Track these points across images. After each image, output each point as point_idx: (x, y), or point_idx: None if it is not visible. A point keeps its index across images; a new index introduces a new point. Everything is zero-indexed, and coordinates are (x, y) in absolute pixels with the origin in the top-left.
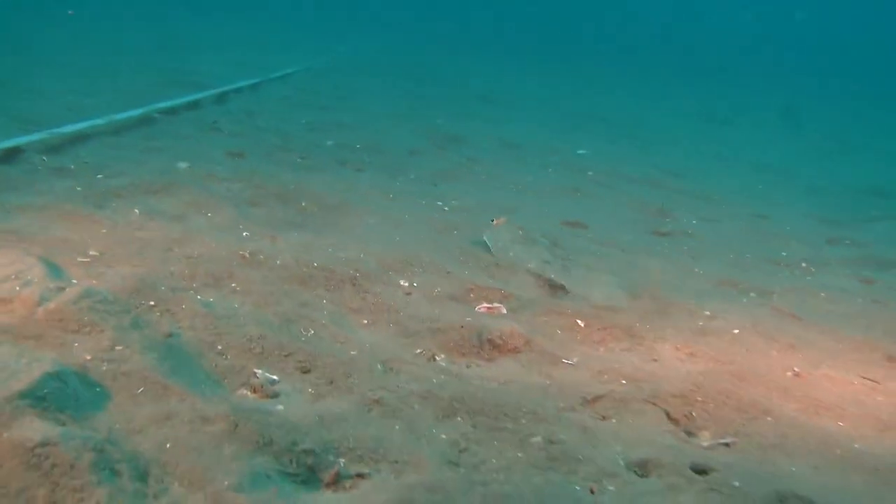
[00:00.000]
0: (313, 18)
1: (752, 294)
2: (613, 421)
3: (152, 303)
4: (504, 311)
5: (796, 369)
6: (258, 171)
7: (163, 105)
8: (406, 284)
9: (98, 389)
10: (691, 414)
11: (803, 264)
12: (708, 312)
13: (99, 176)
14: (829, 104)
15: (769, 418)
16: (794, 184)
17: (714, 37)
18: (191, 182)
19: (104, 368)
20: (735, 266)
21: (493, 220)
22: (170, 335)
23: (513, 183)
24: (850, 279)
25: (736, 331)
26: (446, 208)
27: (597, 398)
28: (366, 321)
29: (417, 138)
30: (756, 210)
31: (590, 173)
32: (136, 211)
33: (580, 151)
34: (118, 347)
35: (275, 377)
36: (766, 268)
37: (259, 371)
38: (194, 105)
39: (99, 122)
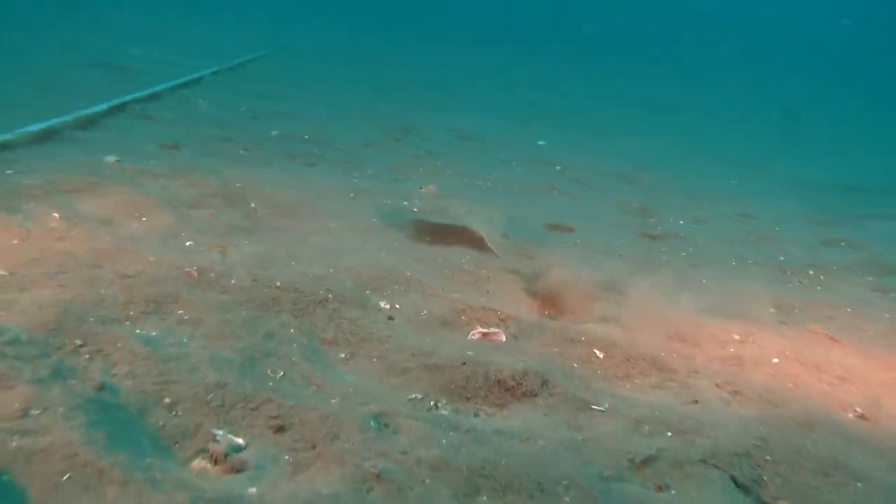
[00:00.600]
0: (256, 11)
1: (771, 310)
2: (673, 492)
3: (79, 342)
4: (503, 337)
5: (858, 410)
6: (197, 166)
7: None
8: (387, 306)
9: (4, 480)
10: (762, 479)
11: (810, 272)
12: (737, 336)
13: (8, 172)
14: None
15: (859, 484)
16: (769, 179)
17: (678, 29)
18: (120, 179)
19: (13, 445)
20: (741, 275)
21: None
22: (102, 387)
23: (480, 179)
24: (863, 288)
25: (775, 360)
26: (415, 209)
27: (645, 461)
28: (344, 355)
29: (369, 128)
30: (740, 209)
31: (558, 168)
32: (56, 215)
33: (540, 143)
34: (33, 412)
35: (240, 441)
36: (772, 276)
37: (220, 433)
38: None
39: None
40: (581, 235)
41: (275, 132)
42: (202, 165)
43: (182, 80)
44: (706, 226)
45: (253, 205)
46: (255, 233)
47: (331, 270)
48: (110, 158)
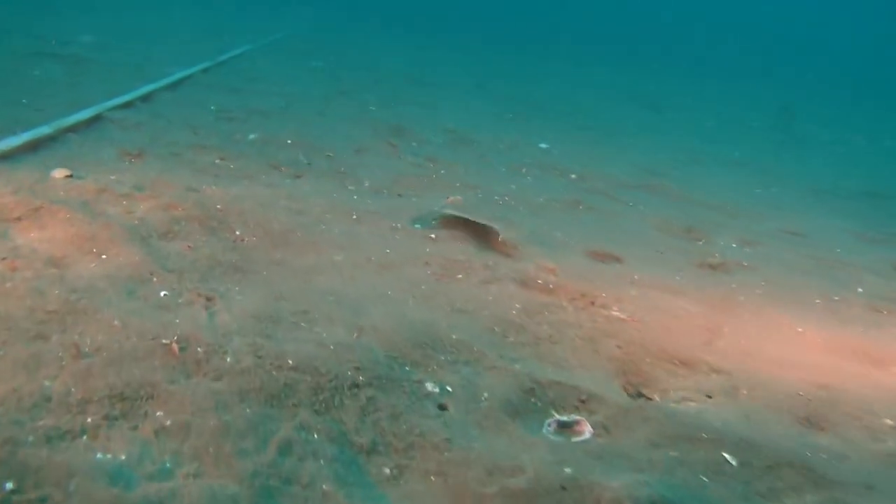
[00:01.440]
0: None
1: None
2: None
3: (11, 486)
4: (588, 431)
5: None
6: (167, 180)
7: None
8: (435, 389)
9: None
10: None
11: None
12: (890, 421)
13: None
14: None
15: None
16: (786, 185)
17: (671, 26)
18: (72, 201)
19: None
20: (839, 319)
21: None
22: None
23: (495, 193)
24: None
25: None
26: (432, 235)
27: None
28: (389, 470)
29: (357, 130)
30: (783, 224)
31: (573, 176)
32: None
33: (542, 146)
34: None
35: None
36: (869, 318)
37: None
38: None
39: None
40: (633, 266)
41: (253, 136)
42: (173, 179)
43: (172, 78)
44: (763, 249)
45: (238, 232)
46: (247, 272)
47: (354, 335)
48: (59, 173)
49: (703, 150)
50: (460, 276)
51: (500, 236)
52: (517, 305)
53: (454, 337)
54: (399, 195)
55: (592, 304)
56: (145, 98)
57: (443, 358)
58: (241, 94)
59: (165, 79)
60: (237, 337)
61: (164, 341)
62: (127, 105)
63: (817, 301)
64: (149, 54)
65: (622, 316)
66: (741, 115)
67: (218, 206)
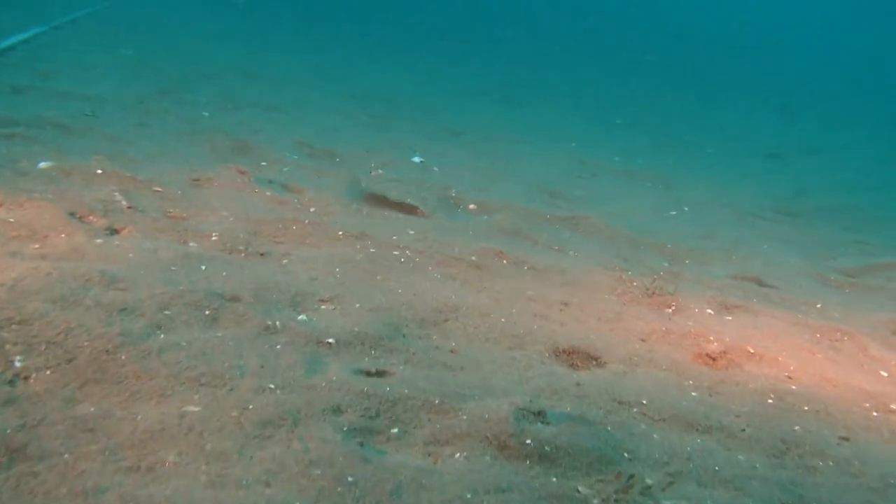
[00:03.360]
0: None
1: None
2: None
3: None
4: None
5: None
6: None
7: None
8: None
9: None
10: None
11: None
12: None
13: None
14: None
15: None
16: (700, 203)
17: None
18: None
19: None
20: None
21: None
22: None
23: (391, 245)
24: None
25: None
26: (331, 341)
27: None
28: None
29: (191, 148)
30: (739, 267)
31: (472, 207)
32: None
33: (416, 159)
34: None
35: None
36: None
37: None
38: None
39: None
40: (621, 377)
41: (45, 163)
42: None
43: None
44: (747, 318)
45: (19, 362)
46: (33, 460)
47: None
48: None
49: (588, 158)
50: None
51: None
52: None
53: None
54: (262, 254)
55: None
56: None
57: None
58: (29, 96)
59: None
60: None
61: None
62: None
63: (875, 415)
64: None
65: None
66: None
67: None
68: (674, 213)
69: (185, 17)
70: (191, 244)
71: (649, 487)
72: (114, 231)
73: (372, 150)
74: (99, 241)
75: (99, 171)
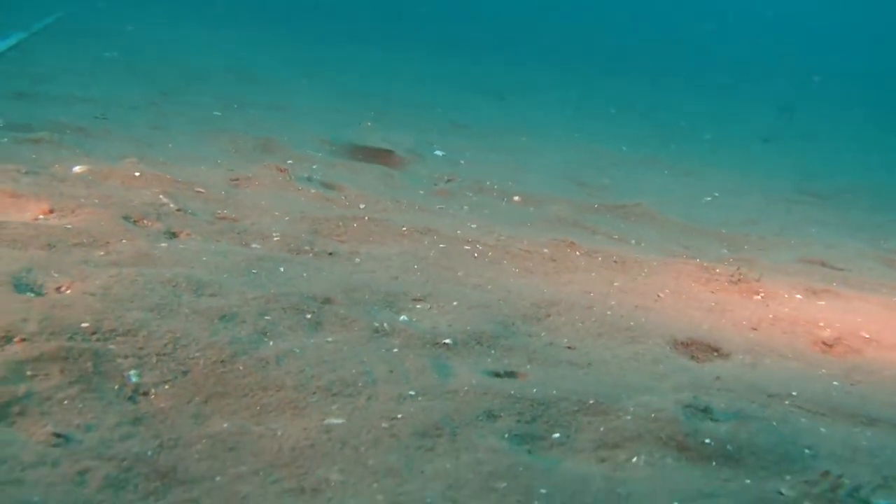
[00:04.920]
0: None
1: None
2: None
3: None
4: None
5: None
6: None
7: None
8: None
9: None
10: None
11: None
12: None
13: None
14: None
15: None
16: (727, 189)
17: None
18: None
19: None
20: None
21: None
22: None
23: (459, 240)
24: None
25: None
26: (447, 341)
27: None
28: None
29: (216, 148)
30: (802, 252)
31: (516, 199)
32: None
33: (438, 153)
34: None
35: None
36: None
37: None
38: None
39: None
40: (748, 365)
41: (78, 167)
42: None
43: None
44: (839, 302)
45: (134, 377)
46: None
47: None
48: None
49: (598, 147)
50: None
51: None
52: None
53: None
54: (330, 253)
55: None
56: None
57: None
58: (34, 102)
59: None
60: None
61: None
62: None
63: None
64: None
65: None
66: (591, 103)
67: (84, 324)
68: (708, 199)
69: (155, 20)
70: (254, 245)
71: (858, 488)
72: (173, 234)
73: (395, 146)
74: (163, 244)
75: (136, 174)
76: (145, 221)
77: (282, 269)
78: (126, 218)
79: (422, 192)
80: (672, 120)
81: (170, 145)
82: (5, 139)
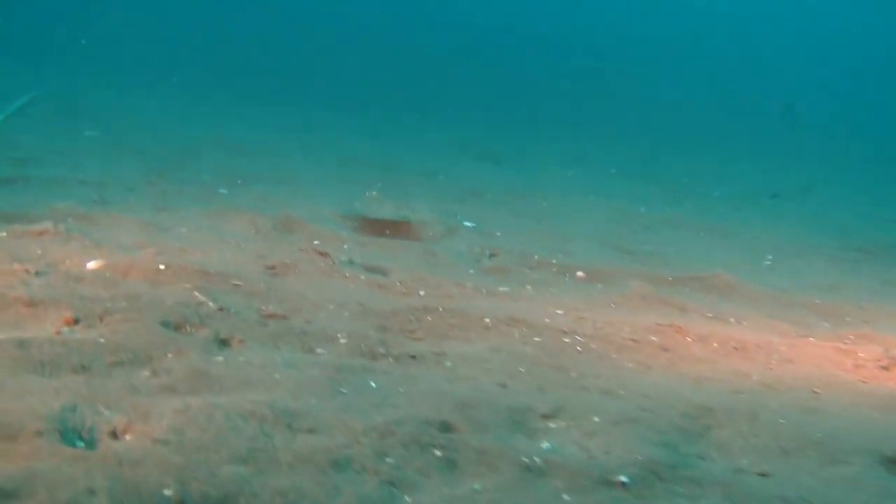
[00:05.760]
0: None
1: None
2: None
3: None
4: None
5: None
6: None
7: None
8: None
9: None
10: None
11: None
12: None
13: None
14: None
15: None
16: (778, 249)
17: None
18: None
19: None
20: None
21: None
22: None
23: (563, 334)
24: None
25: None
26: None
27: None
28: None
29: (238, 230)
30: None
31: (580, 274)
32: None
33: (468, 224)
34: None
35: None
36: None
37: None
38: None
39: None
40: None
41: (92, 264)
42: None
43: None
44: None
45: None
46: None
47: None
48: None
49: (620, 209)
50: None
51: None
52: None
53: None
54: (413, 357)
55: None
56: None
57: None
58: (24, 188)
59: None
60: None
61: None
62: None
63: None
64: None
65: None
66: (589, 164)
67: (167, 491)
68: (767, 262)
69: (125, 97)
70: (320, 351)
71: None
72: (224, 343)
73: (422, 218)
74: (219, 358)
75: (161, 267)
76: (187, 327)
77: (373, 385)
78: (164, 324)
79: (471, 270)
80: (671, 178)
81: (183, 230)
82: (3, 233)
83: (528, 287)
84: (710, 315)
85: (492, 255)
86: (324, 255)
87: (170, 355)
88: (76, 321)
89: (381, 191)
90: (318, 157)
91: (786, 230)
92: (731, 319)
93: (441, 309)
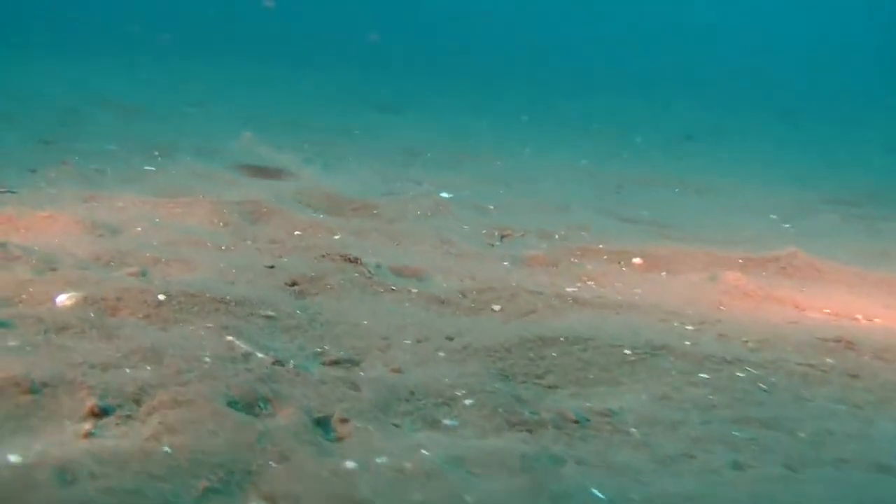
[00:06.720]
0: None
1: None
2: None
3: None
4: None
5: None
6: None
7: None
8: None
9: None
10: None
11: None
12: None
13: None
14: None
15: None
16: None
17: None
18: None
19: None
20: None
21: None
22: None
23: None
24: None
25: None
26: None
27: None
28: None
29: (198, 223)
30: None
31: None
32: None
33: (443, 195)
34: None
35: None
36: None
37: None
38: None
39: None
40: None
41: (65, 296)
42: None
43: None
44: None
45: None
46: None
47: None
48: None
49: (584, 168)
50: None
51: None
52: None
53: None
54: (576, 422)
55: None
56: None
57: None
58: None
59: None
60: None
61: None
62: None
63: None
64: None
65: None
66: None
67: None
68: (787, 226)
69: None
70: (446, 423)
71: None
72: (324, 426)
73: (387, 194)
74: (349, 464)
75: (161, 298)
76: (260, 404)
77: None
78: (231, 404)
79: (506, 263)
80: (582, 123)
81: (138, 228)
82: None
83: (591, 283)
84: (827, 311)
85: (503, 237)
86: (353, 261)
87: (272, 463)
88: (104, 412)
89: (316, 155)
90: (219, 115)
91: (758, 179)
92: (858, 316)
93: (563, 339)
